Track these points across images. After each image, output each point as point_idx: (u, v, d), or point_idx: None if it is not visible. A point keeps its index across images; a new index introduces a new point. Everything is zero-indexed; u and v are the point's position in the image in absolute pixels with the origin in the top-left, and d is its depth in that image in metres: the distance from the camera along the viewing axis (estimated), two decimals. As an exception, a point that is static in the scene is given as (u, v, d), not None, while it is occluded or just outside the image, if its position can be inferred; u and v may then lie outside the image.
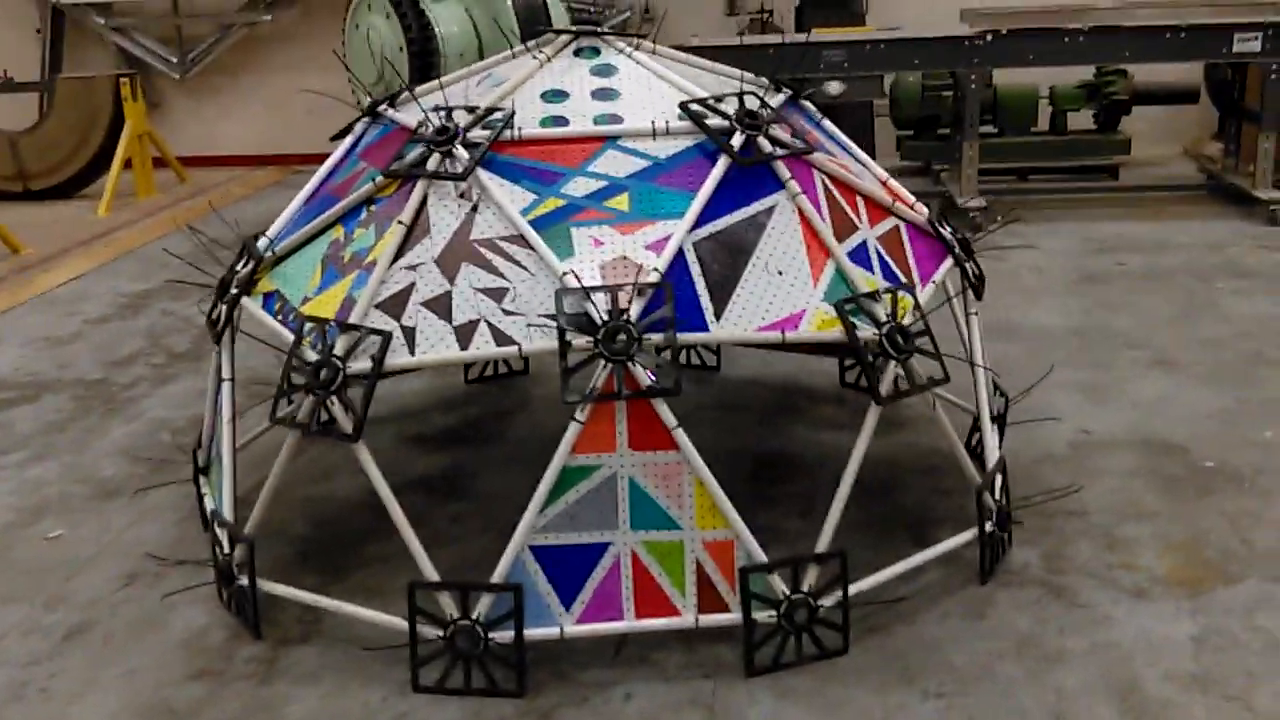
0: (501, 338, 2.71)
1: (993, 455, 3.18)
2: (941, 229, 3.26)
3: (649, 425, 2.67)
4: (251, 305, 3.07)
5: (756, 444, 4.01)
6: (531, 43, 3.33)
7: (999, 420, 3.69)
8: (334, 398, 2.72)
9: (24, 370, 5.12)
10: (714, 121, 2.98)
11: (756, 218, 2.90)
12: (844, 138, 3.49)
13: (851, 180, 3.14)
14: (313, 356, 2.76)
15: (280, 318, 2.98)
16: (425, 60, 7.17)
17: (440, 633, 2.68)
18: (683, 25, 8.80)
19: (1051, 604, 2.96)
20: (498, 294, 2.75)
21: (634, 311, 2.66)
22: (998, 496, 3.12)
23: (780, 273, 2.84)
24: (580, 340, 2.64)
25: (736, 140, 2.94)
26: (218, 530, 3.04)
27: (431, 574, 2.73)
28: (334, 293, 2.90)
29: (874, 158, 7.85)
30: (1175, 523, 3.34)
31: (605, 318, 2.64)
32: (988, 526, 3.06)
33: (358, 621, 2.87)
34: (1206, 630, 2.82)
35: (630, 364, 2.63)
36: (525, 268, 2.77)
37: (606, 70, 3.20)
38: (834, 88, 6.86)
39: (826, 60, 6.72)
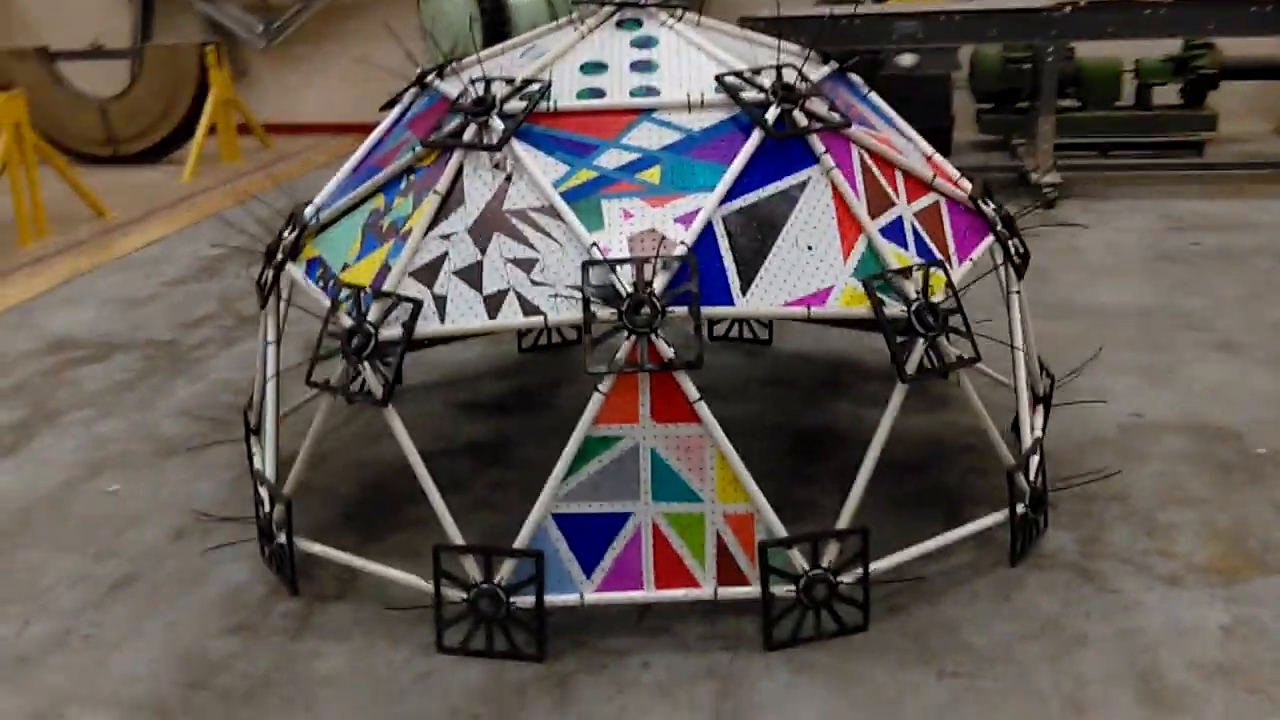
0: (529, 308, 2.74)
1: (1029, 436, 3.14)
2: (984, 205, 3.21)
3: (671, 398, 2.69)
4: (295, 271, 3.13)
5: (801, 419, 4.01)
6: (575, 14, 3.34)
7: (1044, 401, 3.64)
8: (366, 363, 2.78)
9: (98, 330, 5.29)
10: (749, 94, 2.97)
11: (789, 192, 2.89)
12: (890, 112, 3.45)
13: (891, 155, 3.11)
14: (347, 322, 2.82)
15: (321, 284, 3.04)
16: (496, 31, 7.22)
17: (464, 595, 2.74)
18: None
19: (1081, 588, 2.92)
20: (527, 264, 2.78)
21: (659, 284, 2.68)
22: (1032, 478, 3.08)
23: (810, 248, 2.83)
24: (605, 312, 2.67)
25: (771, 114, 2.93)
26: (259, 489, 3.13)
27: (457, 538, 2.78)
28: (372, 260, 2.95)
29: (951, 131, 7.86)
30: (1220, 510, 3.27)
31: (630, 290, 2.66)
32: (1020, 508, 3.03)
33: (390, 582, 2.94)
34: (1237, 620, 2.77)
35: (653, 336, 2.65)
36: (555, 239, 2.79)
37: (647, 42, 3.20)
38: (907, 60, 6.77)
39: (899, 31, 6.62)
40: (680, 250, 2.72)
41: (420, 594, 2.84)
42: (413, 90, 3.47)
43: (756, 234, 2.82)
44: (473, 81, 3.08)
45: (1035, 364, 3.62)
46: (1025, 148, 7.27)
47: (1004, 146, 8.25)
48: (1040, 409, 3.59)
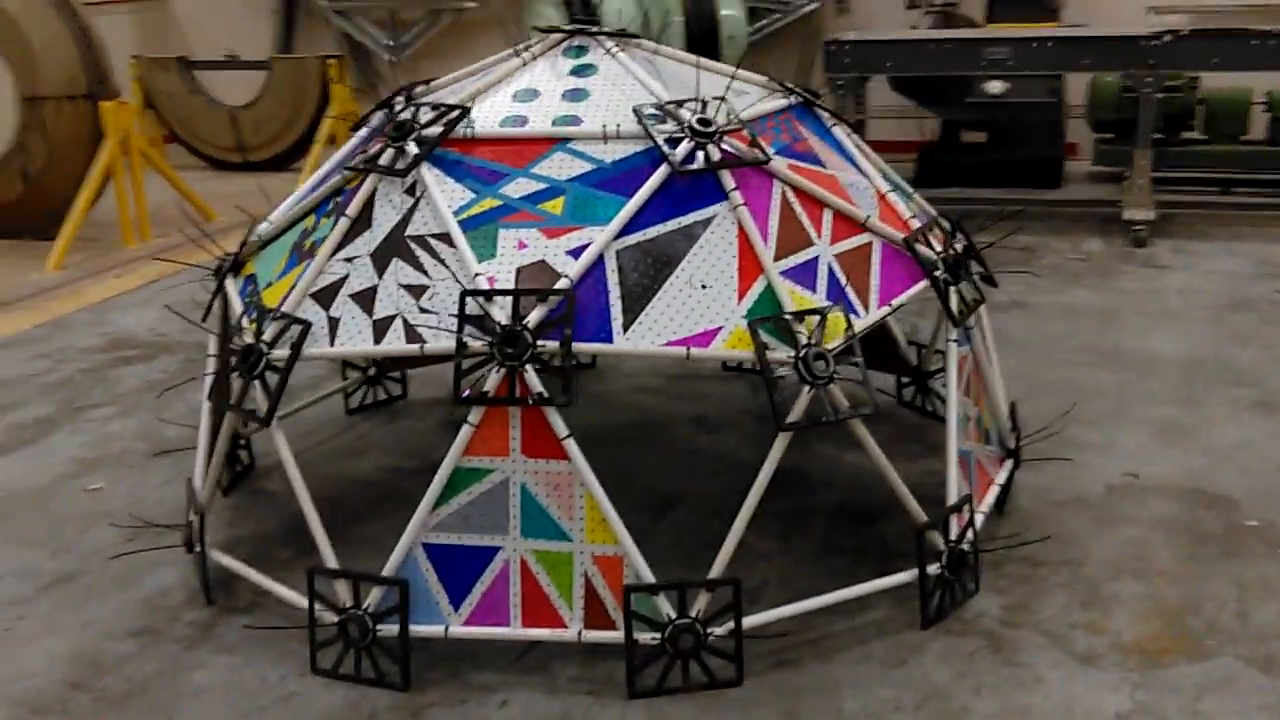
0: (412, 335, 2.74)
1: (952, 493, 2.97)
2: (921, 249, 3.05)
3: (541, 433, 2.65)
4: (230, 287, 3.20)
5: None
6: (526, 42, 3.33)
7: (1013, 456, 3.44)
8: (256, 381, 2.82)
9: (156, 331, 5.52)
10: (665, 127, 2.90)
11: (691, 228, 2.81)
12: (854, 149, 3.32)
13: (819, 193, 2.99)
14: (246, 341, 2.87)
15: (248, 300, 3.10)
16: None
17: (334, 619, 2.75)
18: (870, 17, 8.59)
19: (985, 659, 2.75)
20: (418, 291, 2.78)
21: (533, 318, 2.64)
22: (954, 537, 2.92)
23: (704, 286, 2.74)
24: (476, 343, 2.64)
25: (682, 148, 2.85)
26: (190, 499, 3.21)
27: (330, 561, 2.79)
28: (288, 279, 2.99)
29: (1061, 161, 7.54)
30: (1177, 585, 3.03)
31: (505, 323, 2.63)
32: (933, 568, 2.87)
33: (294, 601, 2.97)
34: (1137, 709, 2.56)
35: (523, 370, 2.61)
36: (448, 266, 2.78)
37: (585, 70, 3.16)
38: (995, 86, 6.54)
39: (989, 57, 6.38)
40: (562, 284, 2.68)
41: (303, 615, 2.86)
42: (381, 112, 3.51)
43: (649, 270, 2.75)
44: (403, 106, 3.10)
45: (1003, 417, 3.43)
46: (1126, 182, 6.92)
47: (1120, 179, 7.88)
48: (1006, 464, 3.40)
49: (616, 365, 4.68)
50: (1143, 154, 6.37)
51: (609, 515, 2.64)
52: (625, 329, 2.68)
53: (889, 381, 4.24)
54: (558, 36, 3.28)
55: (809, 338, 2.69)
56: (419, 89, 3.37)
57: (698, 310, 2.72)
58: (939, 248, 3.11)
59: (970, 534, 2.98)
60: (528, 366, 2.61)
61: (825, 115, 3.39)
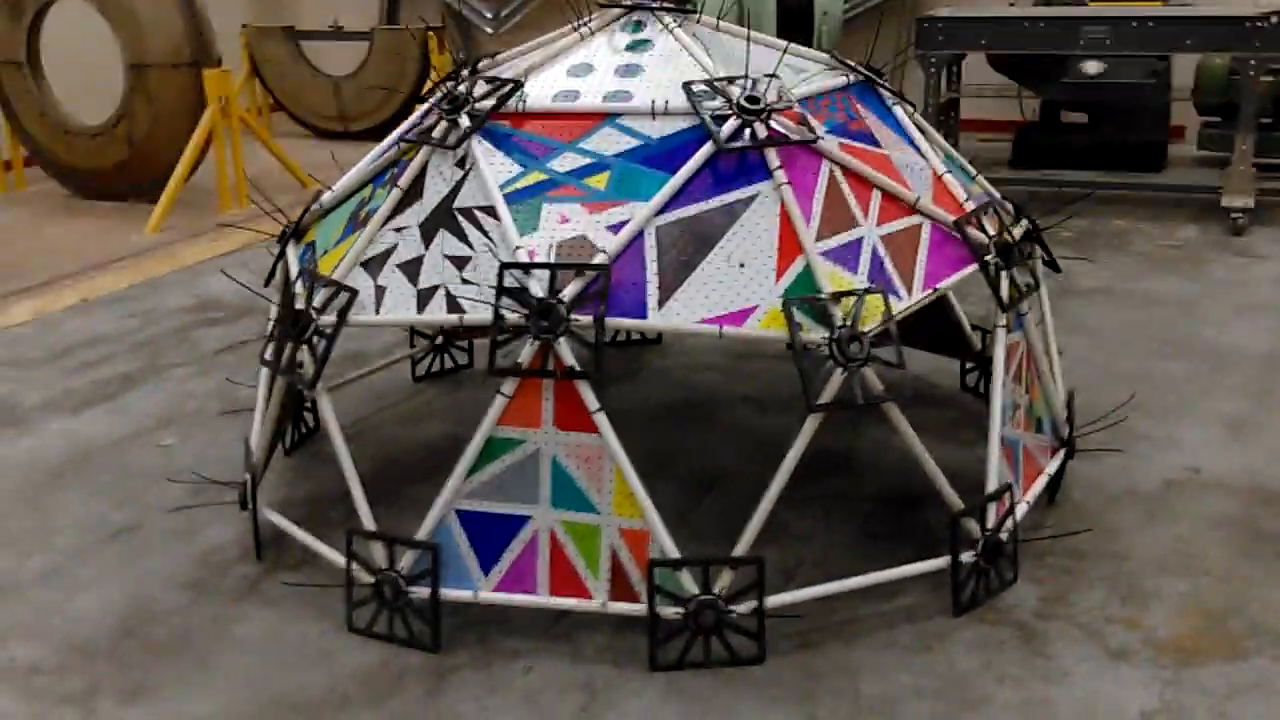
0: (454, 305, 2.79)
1: (992, 481, 2.93)
2: (973, 233, 3.01)
3: (573, 406, 2.68)
4: (291, 253, 3.29)
5: (825, 439, 3.85)
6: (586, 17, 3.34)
7: (1068, 447, 3.38)
8: (304, 346, 2.90)
9: (243, 295, 5.63)
10: (714, 104, 2.90)
11: (733, 206, 2.81)
12: (913, 129, 3.27)
13: (869, 173, 2.96)
14: (299, 306, 2.95)
15: (305, 266, 3.18)
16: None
17: (370, 580, 2.82)
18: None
19: (1013, 650, 2.72)
20: (461, 262, 2.83)
21: (569, 292, 2.67)
22: (991, 525, 2.89)
23: (742, 265, 2.74)
24: (513, 315, 2.68)
25: (729, 125, 2.85)
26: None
27: (369, 523, 2.86)
28: (343, 248, 3.06)
29: (1164, 144, 7.32)
30: (1223, 584, 2.96)
31: (541, 295, 2.67)
32: (967, 556, 2.84)
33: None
34: (1164, 707, 2.51)
35: (556, 342, 2.64)
36: (490, 239, 2.82)
37: (641, 45, 3.17)
38: (1092, 67, 6.37)
39: (1086, 37, 6.22)
40: (600, 259, 2.70)
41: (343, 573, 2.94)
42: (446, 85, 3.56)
43: (689, 247, 2.76)
44: (463, 80, 3.15)
45: (1058, 406, 3.37)
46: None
47: (1225, 165, 7.63)
48: (1059, 455, 3.35)
49: (680, 342, 4.69)
50: (1244, 139, 6.16)
51: (636, 489, 2.66)
52: (660, 305, 2.70)
53: (954, 366, 4.18)
54: (616, 12, 3.30)
55: (844, 319, 2.68)
56: (484, 63, 3.41)
57: (734, 289, 2.72)
58: (992, 231, 3.06)
59: (1010, 523, 2.94)
60: (561, 340, 2.64)
61: (886, 94, 3.35)
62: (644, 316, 2.69)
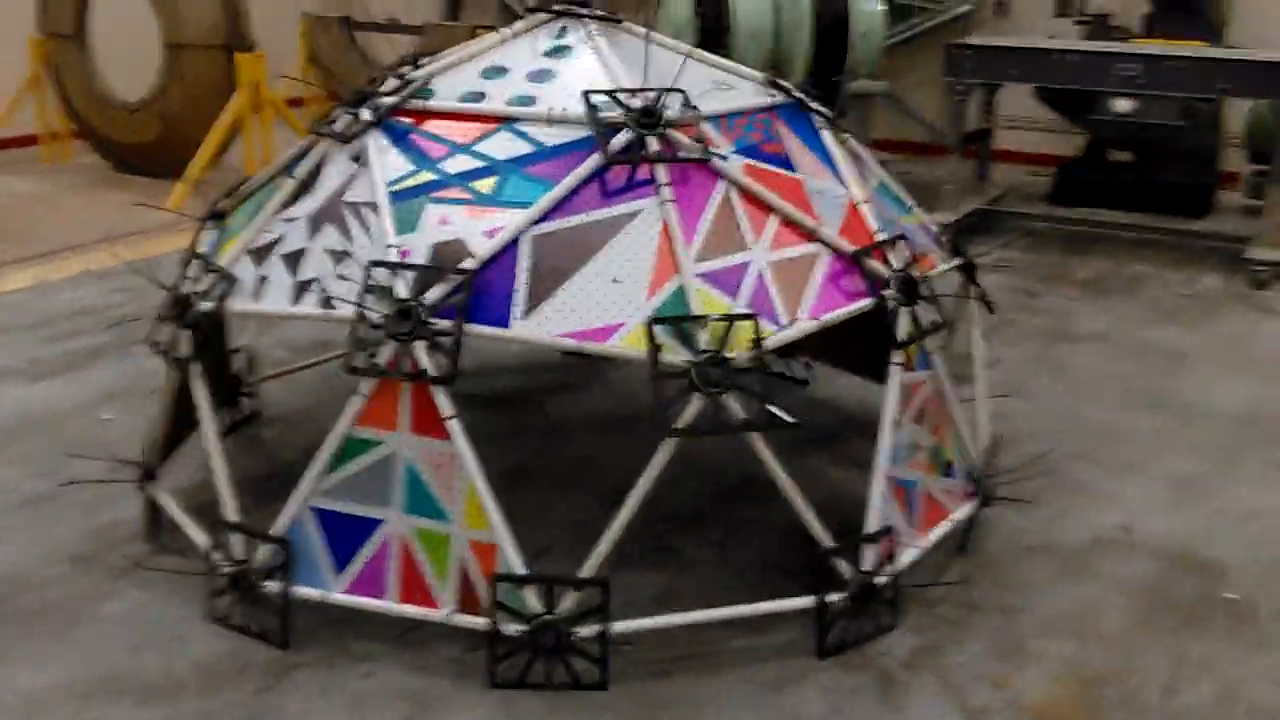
0: (325, 300, 2.76)
1: (872, 523, 2.82)
2: (873, 266, 2.90)
3: (428, 411, 2.63)
4: (204, 236, 3.28)
5: (755, 468, 3.76)
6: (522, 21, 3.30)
7: (982, 494, 3.25)
8: (186, 330, 2.90)
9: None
10: (612, 115, 2.84)
11: (615, 220, 2.74)
12: (840, 156, 3.17)
13: (768, 197, 2.87)
14: (185, 290, 2.95)
15: (212, 250, 3.17)
16: (712, 37, 7.16)
17: (229, 571, 2.80)
18: (1031, 23, 8.22)
19: (867, 698, 2.61)
20: (339, 257, 2.80)
21: (430, 295, 2.62)
22: (867, 567, 2.78)
23: (616, 280, 2.67)
24: (373, 315, 2.64)
25: (621, 138, 2.79)
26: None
27: (230, 514, 2.84)
28: (244, 234, 3.05)
29: (1212, 189, 7.07)
30: (1112, 650, 2.82)
31: (404, 297, 2.63)
32: (835, 597, 2.74)
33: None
34: (999, 773, 2.39)
35: (412, 345, 2.60)
36: (370, 235, 2.79)
37: (560, 52, 3.12)
38: (1122, 105, 6.16)
39: (1118, 73, 6.02)
40: (468, 264, 2.65)
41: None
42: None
43: (563, 258, 2.70)
44: (381, 77, 3.12)
45: (972, 450, 3.24)
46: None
47: (1269, 215, 7.35)
48: (970, 502, 3.22)
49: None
50: (1276, 190, 5.91)
51: (485, 500, 2.61)
52: (525, 315, 2.64)
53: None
54: (544, 17, 3.25)
55: (710, 344, 2.59)
56: (423, 61, 3.38)
57: (603, 304, 2.65)
58: (898, 265, 2.95)
59: (890, 567, 2.83)
60: (418, 343, 2.60)
61: (818, 119, 3.25)
62: (506, 326, 2.64)
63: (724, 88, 3.18)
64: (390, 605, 2.70)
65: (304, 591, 2.73)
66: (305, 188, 2.98)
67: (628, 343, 2.62)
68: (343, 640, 2.77)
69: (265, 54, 7.34)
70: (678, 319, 2.62)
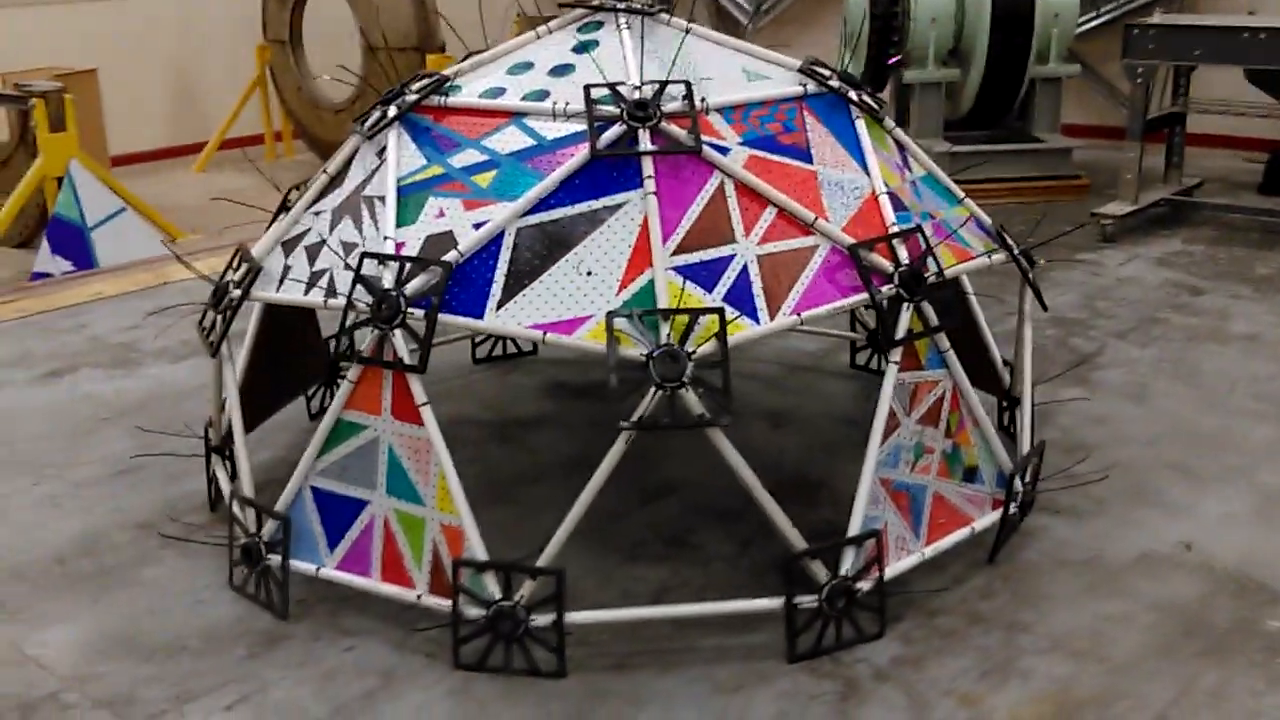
0: (333, 290, 2.89)
1: (855, 525, 2.73)
2: (871, 258, 2.80)
3: (405, 397, 2.73)
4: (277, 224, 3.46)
5: (809, 468, 3.69)
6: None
7: (1017, 501, 3.08)
8: (220, 316, 3.10)
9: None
10: (611, 109, 2.85)
11: (598, 213, 2.76)
12: (870, 147, 3.06)
13: (764, 189, 2.82)
14: (225, 279, 3.15)
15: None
16: (885, 23, 6.98)
17: (242, 543, 2.98)
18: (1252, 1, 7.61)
19: (821, 707, 2.54)
20: (350, 248, 2.93)
21: (411, 286, 2.72)
22: (847, 571, 2.70)
23: (589, 273, 2.69)
24: (361, 304, 2.76)
25: (612, 131, 2.80)
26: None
27: (245, 489, 3.02)
28: (278, 226, 3.22)
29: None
30: (1110, 675, 2.63)
31: (388, 287, 2.73)
32: (807, 601, 2.67)
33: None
34: (928, 793, 2.28)
35: (391, 333, 2.70)
36: (376, 227, 2.91)
37: (586, 46, 3.14)
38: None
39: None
40: (451, 256, 2.73)
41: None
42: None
43: (543, 251, 2.74)
44: (417, 76, 3.24)
45: (1003, 455, 3.08)
46: None
47: None
48: (998, 510, 3.06)
49: (745, 350, 4.58)
50: None
51: (452, 486, 2.68)
52: (499, 306, 2.70)
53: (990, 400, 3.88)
54: (580, 12, 3.28)
55: (671, 338, 2.58)
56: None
57: (575, 296, 2.68)
58: (906, 259, 2.83)
59: (877, 572, 2.74)
60: (396, 331, 2.70)
61: (854, 109, 3.15)
62: (480, 317, 2.70)
63: (755, 77, 3.13)
64: (372, 584, 2.81)
65: (300, 566, 2.88)
66: (335, 182, 3.12)
67: (592, 335, 2.63)
68: (338, 614, 2.90)
69: (452, 57, 7.64)
70: (640, 312, 2.61)
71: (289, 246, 3.08)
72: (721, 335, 2.60)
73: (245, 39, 8.64)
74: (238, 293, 3.06)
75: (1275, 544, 3.15)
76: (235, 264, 3.17)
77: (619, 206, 2.76)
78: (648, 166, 2.77)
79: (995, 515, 3.05)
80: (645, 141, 2.79)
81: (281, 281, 3.01)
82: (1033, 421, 3.52)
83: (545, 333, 2.65)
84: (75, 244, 5.94)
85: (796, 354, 4.60)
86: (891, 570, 2.81)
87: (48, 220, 6.15)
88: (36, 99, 5.92)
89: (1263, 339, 4.66)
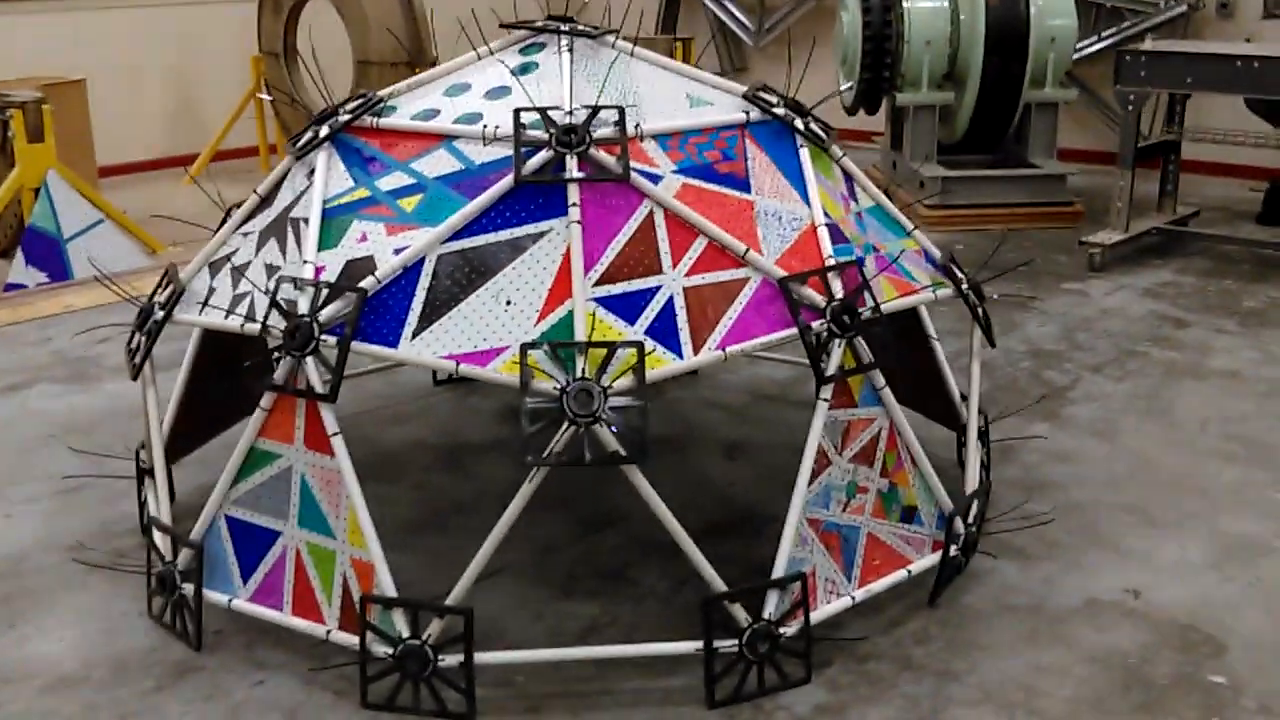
0: (253, 314, 2.82)
1: (779, 568, 2.64)
2: (798, 292, 2.71)
3: (317, 427, 2.65)
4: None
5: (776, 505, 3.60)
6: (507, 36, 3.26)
7: (957, 543, 2.98)
8: (145, 337, 3.04)
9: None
10: (538, 134, 2.77)
11: (520, 241, 2.68)
12: (811, 177, 2.97)
13: (694, 219, 2.74)
14: (157, 299, 3.09)
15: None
16: (878, 45, 6.90)
17: (157, 571, 2.91)
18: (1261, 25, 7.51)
19: (735, 757, 2.45)
20: (273, 271, 2.86)
21: (326, 312, 2.64)
22: (771, 614, 2.61)
23: (509, 303, 2.62)
24: (275, 330, 2.69)
25: (539, 157, 2.72)
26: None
27: (163, 517, 2.96)
28: (208, 246, 3.15)
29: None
30: (1044, 730, 2.53)
31: (303, 313, 2.66)
32: (727, 645, 2.58)
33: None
34: None
35: (303, 361, 2.63)
36: (300, 251, 2.84)
37: (526, 69, 3.07)
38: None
39: (1303, 84, 5.40)
40: (367, 283, 2.66)
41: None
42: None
43: (463, 279, 2.66)
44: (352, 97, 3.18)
45: (943, 496, 2.98)
46: None
47: None
48: (939, 550, 2.96)
49: (712, 378, 4.51)
50: None
51: (362, 519, 2.60)
52: (415, 335, 2.62)
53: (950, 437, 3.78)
54: (522, 34, 3.21)
55: (585, 372, 2.49)
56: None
57: (493, 326, 2.60)
58: (841, 293, 2.74)
59: (802, 616, 2.65)
60: (308, 359, 2.63)
61: (799, 137, 3.07)
62: (394, 345, 2.63)
63: (698, 103, 3.05)
64: (283, 617, 2.74)
65: (214, 596, 2.81)
66: (265, 202, 3.06)
67: (507, 368, 2.55)
68: (253, 646, 2.83)
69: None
70: (559, 344, 2.53)
71: (215, 267, 3.01)
72: (639, 369, 2.51)
73: (241, 50, 8.61)
74: (161, 314, 2.99)
75: (1227, 594, 3.04)
76: (163, 284, 3.10)
77: (542, 234, 2.68)
78: (574, 194, 2.69)
79: (935, 557, 2.95)
80: (573, 168, 2.71)
81: (205, 304, 2.94)
82: (987, 459, 3.43)
83: (459, 363, 2.57)
84: (51, 255, 5.90)
85: (764, 382, 4.52)
86: (819, 614, 2.72)
87: (25, 231, 6.12)
88: (14, 110, 5.88)
89: (1241, 375, 4.54)
